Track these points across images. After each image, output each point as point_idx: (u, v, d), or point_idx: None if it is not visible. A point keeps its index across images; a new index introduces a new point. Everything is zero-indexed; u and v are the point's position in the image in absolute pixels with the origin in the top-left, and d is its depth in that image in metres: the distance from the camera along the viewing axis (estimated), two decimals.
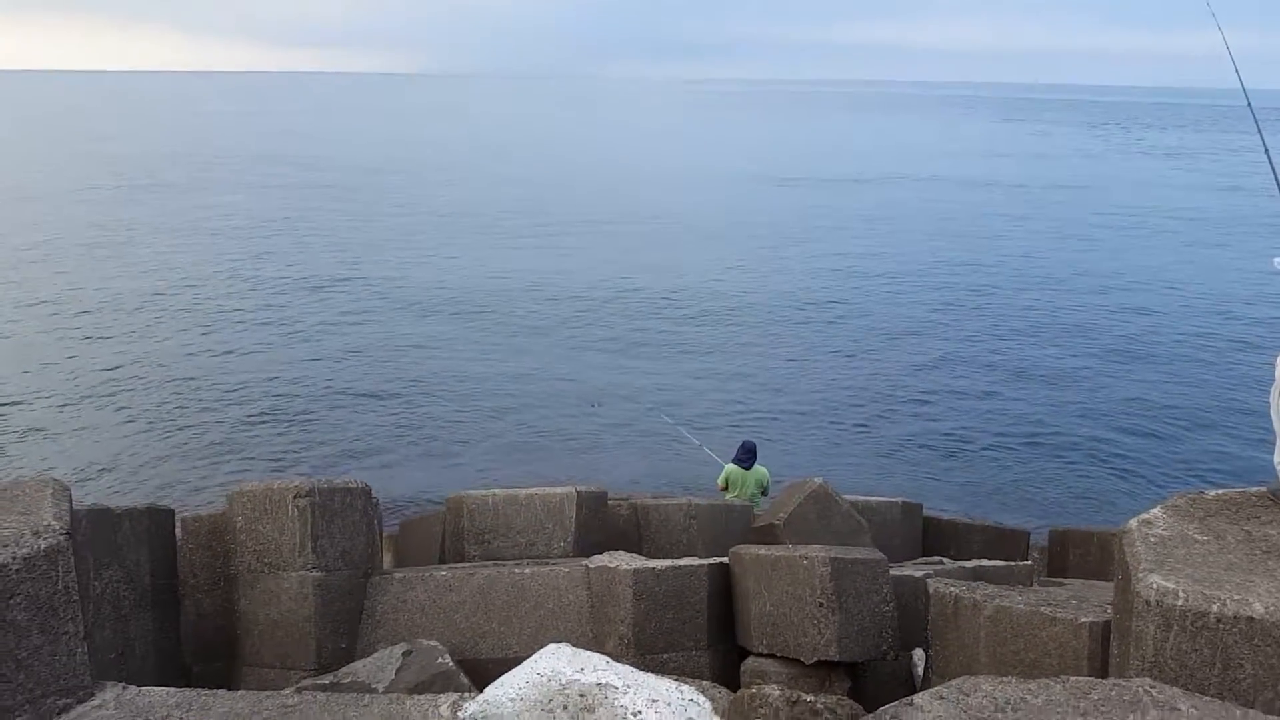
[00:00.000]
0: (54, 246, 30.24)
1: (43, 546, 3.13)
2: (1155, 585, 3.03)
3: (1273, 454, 3.95)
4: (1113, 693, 2.55)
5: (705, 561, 5.97)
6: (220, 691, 3.36)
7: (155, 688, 3.35)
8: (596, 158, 63.43)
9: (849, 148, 76.22)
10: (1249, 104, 5.30)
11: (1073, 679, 2.64)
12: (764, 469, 9.83)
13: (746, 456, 9.72)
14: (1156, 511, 3.68)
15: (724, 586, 5.98)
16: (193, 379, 17.71)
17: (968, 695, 2.50)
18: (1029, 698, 2.50)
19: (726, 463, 9.99)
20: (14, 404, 16.28)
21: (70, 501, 3.57)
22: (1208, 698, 2.62)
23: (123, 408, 16.26)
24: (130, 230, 33.40)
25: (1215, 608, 2.90)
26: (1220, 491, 3.90)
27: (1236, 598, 2.91)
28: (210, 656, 5.67)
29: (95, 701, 3.18)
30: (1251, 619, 2.84)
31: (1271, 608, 2.85)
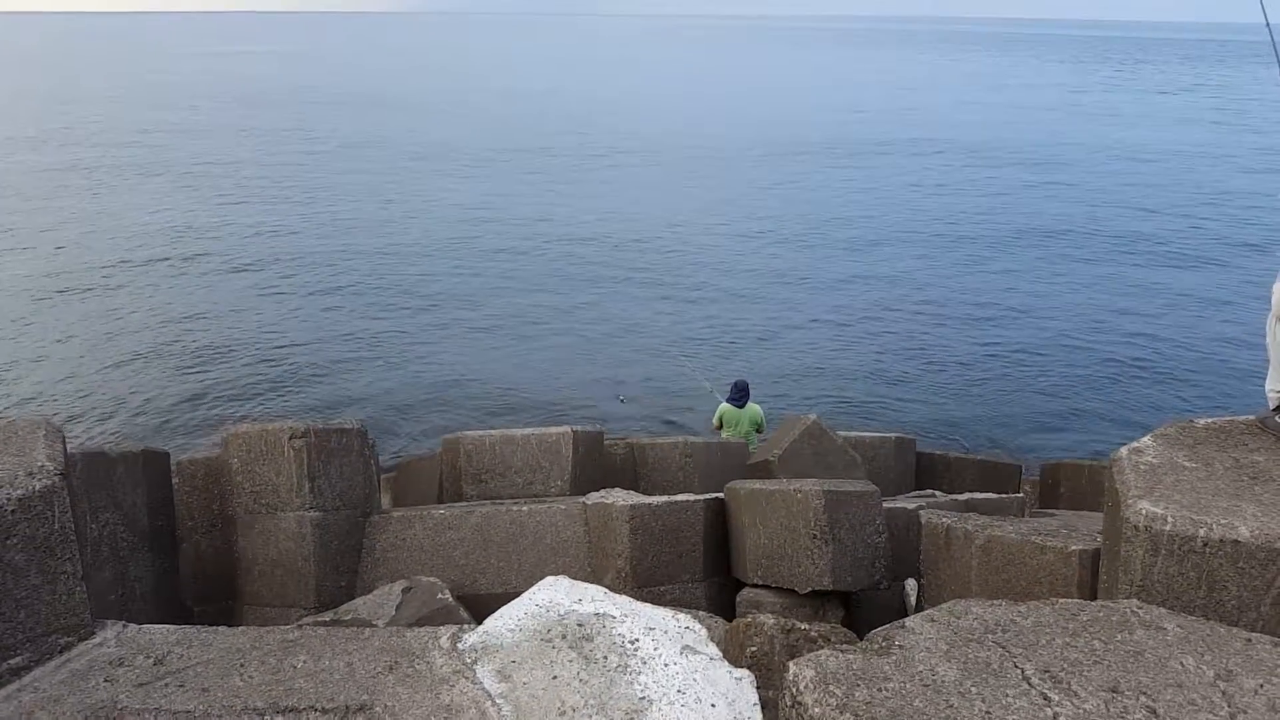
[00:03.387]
0: (47, 187, 29.84)
1: (37, 487, 3.14)
2: (1144, 511, 3.06)
3: (1264, 383, 3.96)
4: (1101, 614, 2.59)
5: (701, 496, 6.03)
6: (220, 628, 3.40)
7: (156, 625, 3.39)
8: (592, 96, 62.36)
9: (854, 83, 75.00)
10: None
11: (1062, 601, 2.68)
12: (757, 407, 9.88)
13: (739, 395, 9.76)
14: (1146, 440, 3.70)
15: (719, 521, 6.05)
16: (184, 323, 17.61)
17: (959, 618, 2.54)
18: (1019, 619, 2.54)
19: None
20: (3, 347, 16.21)
21: (64, 443, 3.56)
22: (1194, 617, 2.67)
23: (113, 352, 16.18)
24: (118, 174, 32.90)
25: (1202, 532, 2.93)
26: (1209, 420, 3.92)
27: (1223, 522, 2.95)
28: (210, 597, 5.73)
29: (96, 640, 3.22)
30: (1237, 542, 2.88)
31: (1257, 531, 2.88)
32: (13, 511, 3.05)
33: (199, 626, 3.42)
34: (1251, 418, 3.94)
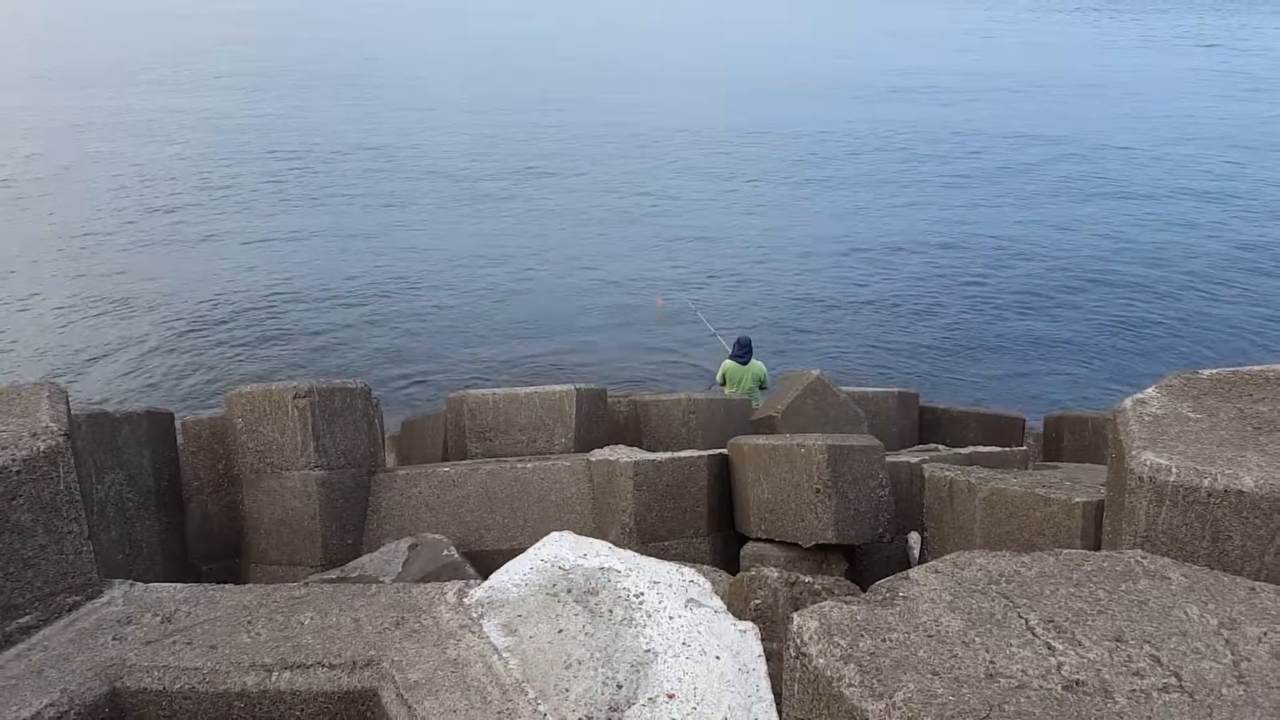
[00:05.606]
0: (45, 144, 29.59)
1: (42, 448, 3.14)
2: (1148, 461, 3.05)
3: None
4: (1105, 564, 2.59)
5: (705, 452, 6.04)
6: (228, 586, 3.43)
7: (163, 584, 3.42)
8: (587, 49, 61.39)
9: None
10: None
11: (1066, 551, 2.68)
12: (760, 364, 9.87)
13: (743, 352, 9.74)
14: (1151, 391, 3.68)
15: (723, 476, 6.07)
16: (185, 283, 17.57)
17: (962, 569, 2.54)
18: (1023, 570, 2.55)
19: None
20: (4, 310, 16.20)
21: (67, 404, 3.56)
22: (1198, 566, 2.67)
23: (115, 314, 16.19)
24: (119, 132, 32.57)
25: (1206, 482, 2.92)
26: (1214, 371, 3.89)
27: (1228, 472, 2.94)
28: (218, 556, 5.78)
29: (104, 598, 3.24)
30: (1241, 492, 2.87)
31: (1261, 481, 2.87)
32: (18, 472, 3.06)
33: (206, 585, 3.44)
34: (1260, 368, 3.91)
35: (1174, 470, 2.99)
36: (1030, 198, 23.99)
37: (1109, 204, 23.23)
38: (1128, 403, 3.58)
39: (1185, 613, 2.35)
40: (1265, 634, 2.26)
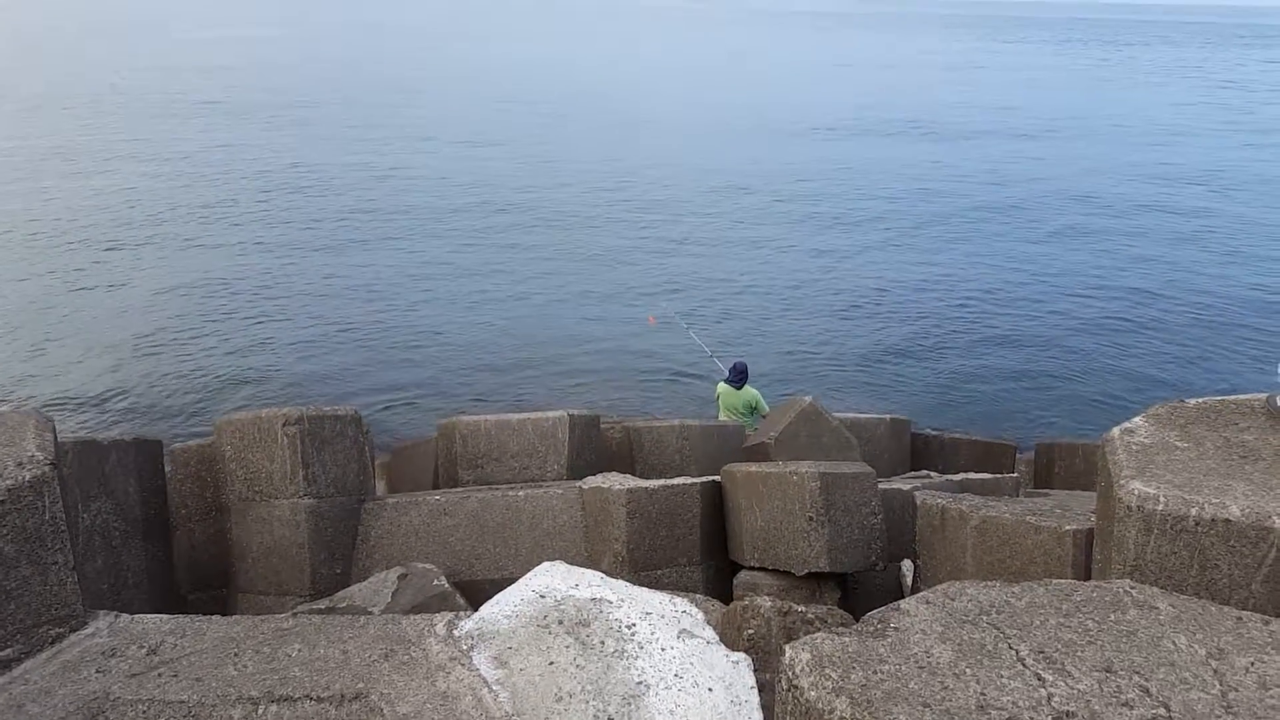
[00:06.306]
0: (20, 162, 29.61)
1: (27, 477, 3.11)
2: (1136, 491, 3.06)
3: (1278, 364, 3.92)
4: (1094, 594, 2.60)
5: (698, 480, 6.03)
6: (215, 617, 3.39)
7: (149, 615, 3.38)
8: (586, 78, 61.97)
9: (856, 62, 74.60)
10: None
11: (1055, 581, 2.68)
12: (754, 391, 9.89)
13: (738, 377, 9.78)
14: (1138, 420, 3.70)
15: (716, 504, 6.06)
16: (174, 311, 17.52)
17: (953, 599, 2.54)
18: (1013, 600, 2.55)
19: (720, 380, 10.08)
20: None
21: (54, 433, 3.54)
22: (1186, 596, 2.68)
23: (104, 341, 16.10)
24: (90, 156, 32.59)
25: (1194, 511, 2.94)
26: (1201, 400, 3.92)
27: (1214, 501, 2.95)
28: (205, 585, 5.72)
29: (88, 630, 3.21)
30: (1228, 521, 2.89)
31: (1247, 510, 2.89)
32: (2, 502, 3.03)
33: (193, 615, 3.41)
34: (1244, 397, 3.94)
35: (1162, 499, 3.01)
36: (1023, 229, 24.23)
37: (1098, 237, 23.47)
38: (1115, 432, 3.60)
39: (1174, 643, 2.36)
40: (1253, 664, 2.27)
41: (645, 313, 16.66)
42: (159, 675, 2.93)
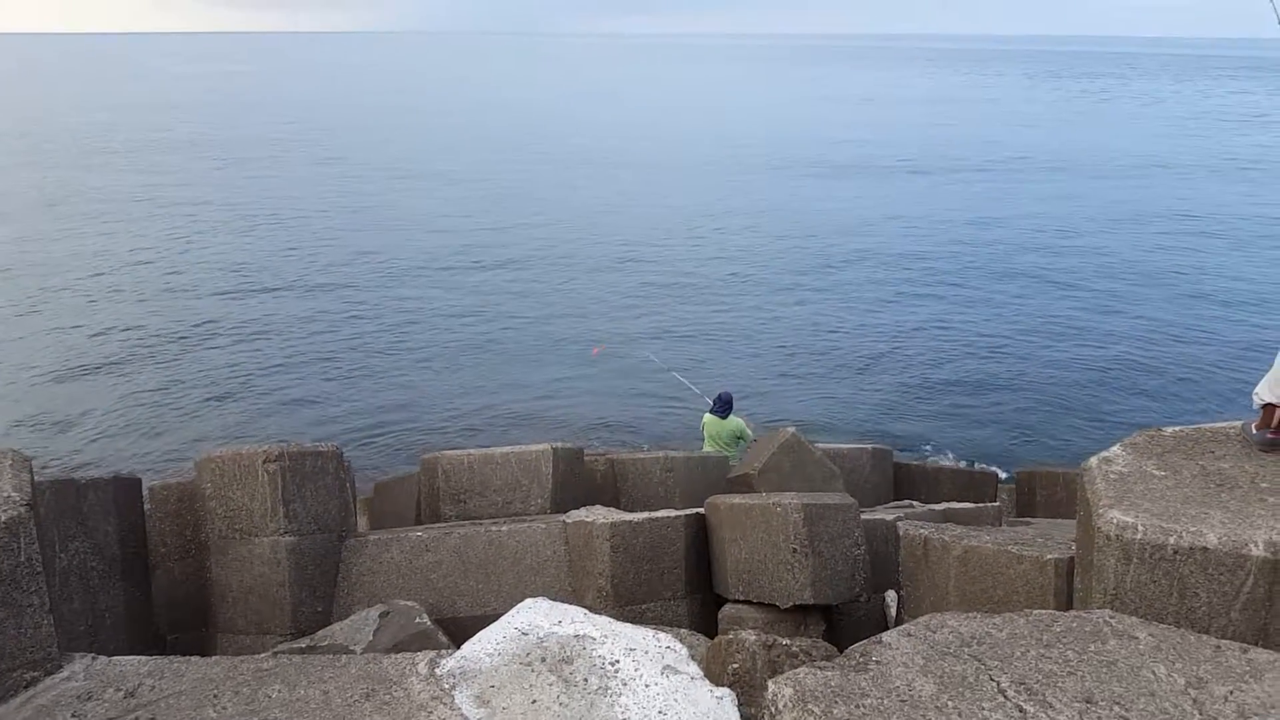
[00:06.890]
0: (12, 208, 29.49)
1: (2, 518, 3.08)
2: (1115, 520, 3.09)
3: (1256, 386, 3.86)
4: (1074, 624, 2.61)
5: (682, 512, 6.01)
6: (194, 658, 3.35)
7: (127, 657, 3.33)
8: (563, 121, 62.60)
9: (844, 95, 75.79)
10: None
11: (1036, 612, 2.70)
12: (739, 420, 9.91)
13: (723, 407, 9.80)
14: (1116, 449, 3.75)
15: (700, 536, 6.04)
16: (152, 349, 17.40)
17: (934, 631, 2.55)
18: (994, 632, 2.56)
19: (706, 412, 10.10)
20: None
21: (31, 473, 3.50)
22: (1165, 625, 2.70)
23: (83, 379, 15.97)
24: (95, 199, 32.56)
25: (1172, 540, 2.97)
26: (1177, 428, 3.97)
27: (1192, 530, 2.99)
28: (184, 625, 5.64)
29: (64, 673, 3.15)
30: (1206, 549, 2.92)
31: (1224, 538, 2.92)
32: None
33: (171, 657, 3.36)
34: (1219, 425, 3.99)
35: (1140, 528, 3.04)
36: (1004, 261, 24.53)
37: (1079, 269, 23.80)
38: (1094, 461, 3.64)
39: (1153, 672, 2.37)
40: (1231, 692, 2.29)
41: (594, 345, 16.73)
42: (136, 719, 2.89)
